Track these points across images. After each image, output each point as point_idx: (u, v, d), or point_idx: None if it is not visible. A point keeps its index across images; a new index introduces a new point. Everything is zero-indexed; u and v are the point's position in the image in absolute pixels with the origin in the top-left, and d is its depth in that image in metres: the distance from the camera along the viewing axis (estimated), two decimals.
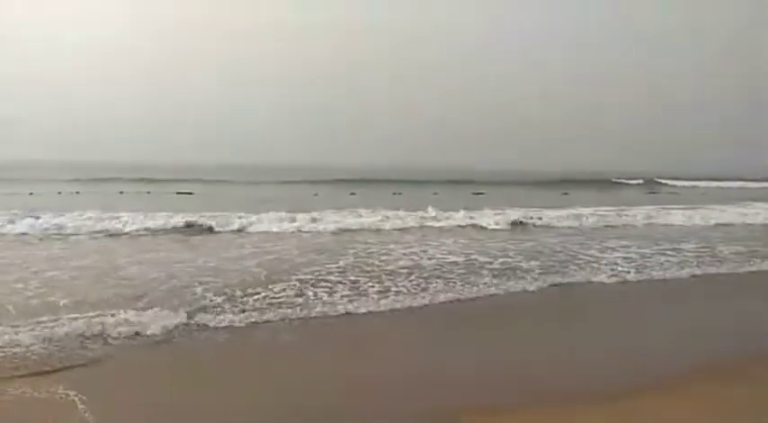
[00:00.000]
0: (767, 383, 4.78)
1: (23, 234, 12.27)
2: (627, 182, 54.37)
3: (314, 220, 14.89)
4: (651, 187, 47.43)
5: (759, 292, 8.65)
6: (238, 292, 7.33)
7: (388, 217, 15.89)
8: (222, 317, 6.25)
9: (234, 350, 5.43)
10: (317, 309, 6.73)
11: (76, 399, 4.12)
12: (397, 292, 7.62)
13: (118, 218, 13.90)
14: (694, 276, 9.34)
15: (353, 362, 5.24)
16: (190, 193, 27.44)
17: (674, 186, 51.75)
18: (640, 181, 55.62)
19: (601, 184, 47.47)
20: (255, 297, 7.14)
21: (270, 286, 7.72)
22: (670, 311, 7.27)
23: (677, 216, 18.64)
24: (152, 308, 6.41)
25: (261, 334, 5.89)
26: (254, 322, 6.18)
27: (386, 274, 8.73)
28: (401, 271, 9.05)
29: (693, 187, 50.50)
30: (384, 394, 4.42)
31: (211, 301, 6.92)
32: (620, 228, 16.20)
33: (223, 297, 7.08)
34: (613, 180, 54.72)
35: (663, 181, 57.13)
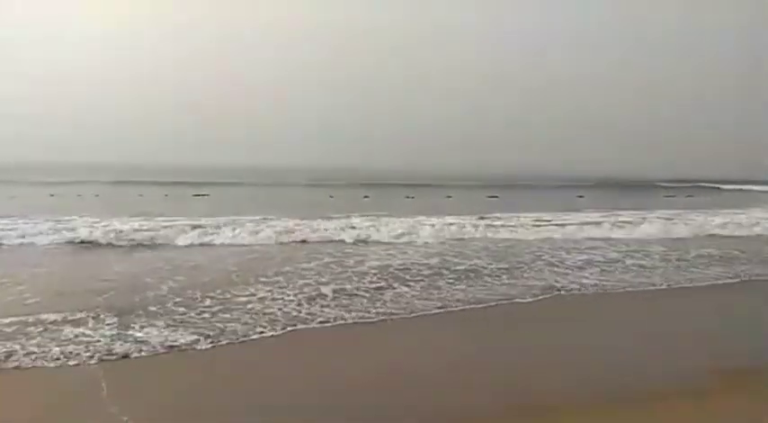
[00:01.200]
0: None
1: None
2: (671, 186, 53.21)
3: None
4: (699, 191, 46.13)
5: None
6: (244, 294, 7.67)
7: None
8: (221, 317, 6.59)
9: (232, 351, 5.70)
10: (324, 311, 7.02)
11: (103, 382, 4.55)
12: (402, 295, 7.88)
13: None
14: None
15: (354, 362, 5.46)
16: (206, 195, 28.27)
17: (733, 191, 49.91)
18: (686, 184, 54.33)
19: (646, 189, 46.63)
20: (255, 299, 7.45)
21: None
22: (674, 316, 7.41)
23: None
24: (163, 311, 6.88)
25: (259, 334, 6.12)
26: (252, 323, 6.44)
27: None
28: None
29: (740, 190, 48.91)
30: (385, 395, 4.63)
31: (212, 301, 7.26)
32: None
33: (226, 299, 7.39)
34: (659, 184, 53.66)
35: (707, 185, 55.48)
